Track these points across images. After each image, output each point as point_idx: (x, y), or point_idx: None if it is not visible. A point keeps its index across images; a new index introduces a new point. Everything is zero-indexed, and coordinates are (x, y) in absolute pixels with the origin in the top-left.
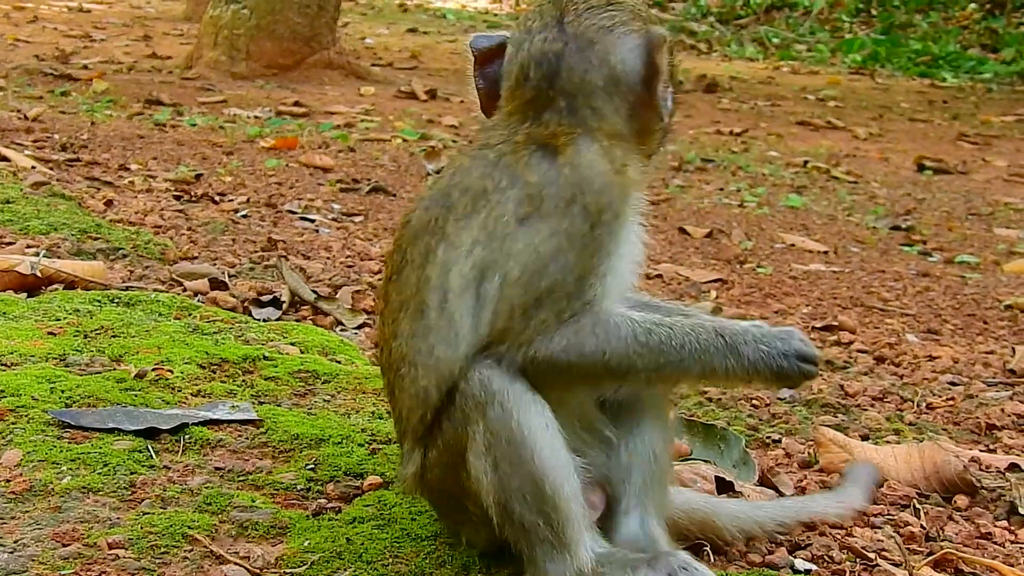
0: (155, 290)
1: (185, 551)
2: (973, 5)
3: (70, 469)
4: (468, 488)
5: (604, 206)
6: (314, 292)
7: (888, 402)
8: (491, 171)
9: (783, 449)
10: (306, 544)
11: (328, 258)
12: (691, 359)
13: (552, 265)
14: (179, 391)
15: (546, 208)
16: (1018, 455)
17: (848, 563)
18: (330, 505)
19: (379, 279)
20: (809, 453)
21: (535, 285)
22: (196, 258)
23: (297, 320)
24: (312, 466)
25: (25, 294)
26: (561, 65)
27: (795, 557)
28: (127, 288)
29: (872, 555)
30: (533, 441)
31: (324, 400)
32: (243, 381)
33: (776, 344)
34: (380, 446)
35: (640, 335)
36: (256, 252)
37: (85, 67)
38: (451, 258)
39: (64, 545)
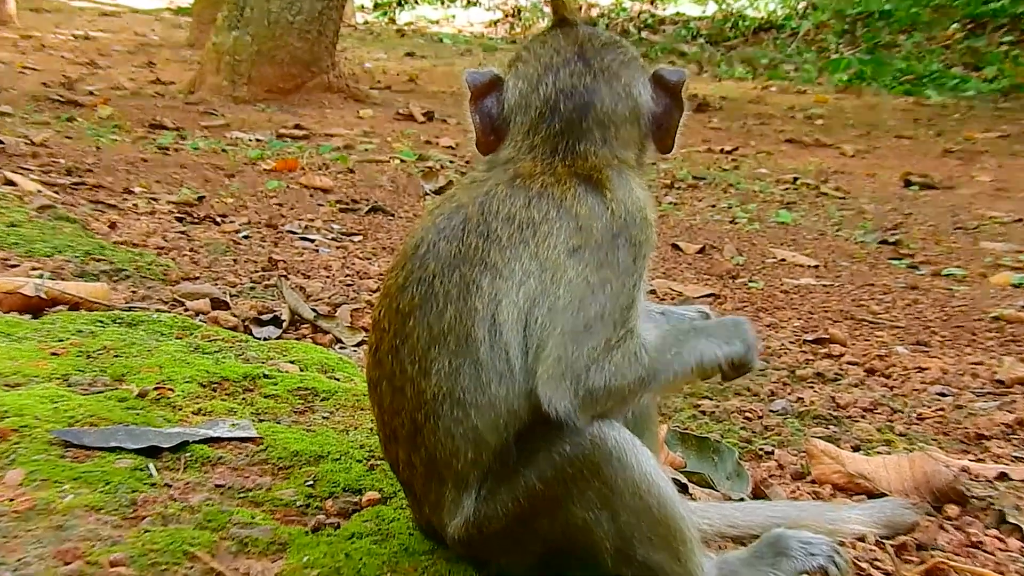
0: (157, 310)
1: (186, 568)
2: (955, 25)
3: (72, 488)
4: (547, 532)
5: (644, 239)
6: (314, 311)
7: (879, 413)
8: (537, 202)
9: (776, 461)
10: (305, 560)
11: (327, 277)
12: (694, 366)
13: (600, 295)
14: (180, 409)
15: (595, 240)
16: (1007, 464)
17: None
18: (329, 521)
19: (375, 304)
20: (801, 464)
21: (585, 312)
22: (198, 278)
23: (297, 338)
24: (311, 482)
25: (29, 315)
26: (594, 97)
27: None
28: (130, 309)
29: (865, 564)
30: (658, 489)
31: (323, 417)
32: (243, 399)
33: (736, 342)
34: (378, 462)
35: (665, 354)
36: (257, 272)
37: (90, 93)
38: (501, 288)
39: (66, 563)
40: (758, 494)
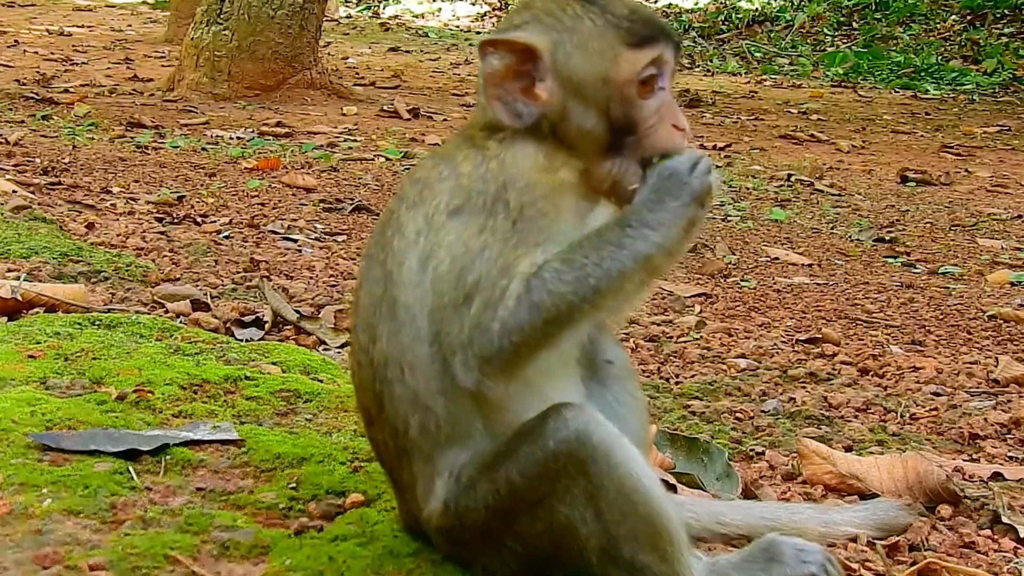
0: (137, 312)
1: (167, 572)
2: (954, 17)
3: (51, 492)
4: (529, 529)
5: (527, 203)
6: (297, 312)
7: (872, 413)
8: (436, 161)
9: (766, 461)
10: (288, 563)
11: (311, 278)
12: (624, 268)
13: (480, 261)
14: (160, 412)
15: (475, 202)
16: (1001, 464)
17: None
18: (312, 524)
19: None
20: (793, 465)
21: (463, 281)
22: (178, 280)
23: (279, 340)
24: (294, 485)
25: (6, 318)
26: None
27: None
28: (108, 310)
29: (855, 565)
30: (645, 488)
31: (306, 419)
32: (224, 401)
33: (673, 205)
34: (362, 464)
35: (564, 273)
36: (238, 273)
37: (66, 90)
38: (402, 248)
39: (45, 567)
40: (748, 495)
